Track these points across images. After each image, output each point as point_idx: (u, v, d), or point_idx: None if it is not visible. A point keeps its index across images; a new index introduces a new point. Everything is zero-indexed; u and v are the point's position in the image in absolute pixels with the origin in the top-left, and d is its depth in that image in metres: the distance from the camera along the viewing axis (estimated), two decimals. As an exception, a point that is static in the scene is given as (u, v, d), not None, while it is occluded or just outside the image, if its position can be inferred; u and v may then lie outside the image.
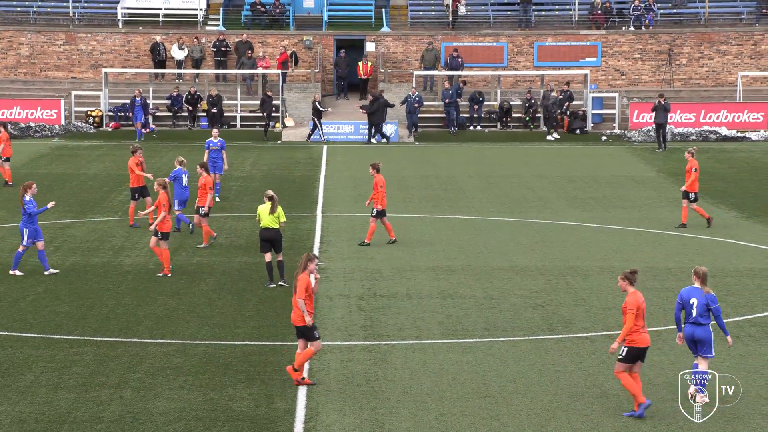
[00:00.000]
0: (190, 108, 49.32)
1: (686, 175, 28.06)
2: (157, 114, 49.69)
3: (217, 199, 31.19)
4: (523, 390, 15.73)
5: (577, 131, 48.97)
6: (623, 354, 14.51)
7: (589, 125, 49.62)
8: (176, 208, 27.12)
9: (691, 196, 27.96)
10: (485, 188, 35.24)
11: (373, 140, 46.10)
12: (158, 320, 19.35)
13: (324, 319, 19.53)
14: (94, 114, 49.51)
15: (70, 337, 18.20)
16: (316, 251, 25.28)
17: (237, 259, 24.38)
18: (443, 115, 49.71)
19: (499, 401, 15.32)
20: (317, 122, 46.45)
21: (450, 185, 35.82)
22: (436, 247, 25.93)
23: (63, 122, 48.55)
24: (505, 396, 15.49)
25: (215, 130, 31.75)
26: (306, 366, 16.24)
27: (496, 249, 25.87)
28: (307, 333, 15.84)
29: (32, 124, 47.86)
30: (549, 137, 47.38)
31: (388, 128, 47.21)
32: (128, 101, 48.46)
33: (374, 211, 25.87)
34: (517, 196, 33.77)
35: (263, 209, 21.61)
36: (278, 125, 49.40)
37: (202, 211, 25.61)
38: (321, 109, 46.49)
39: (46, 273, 22.46)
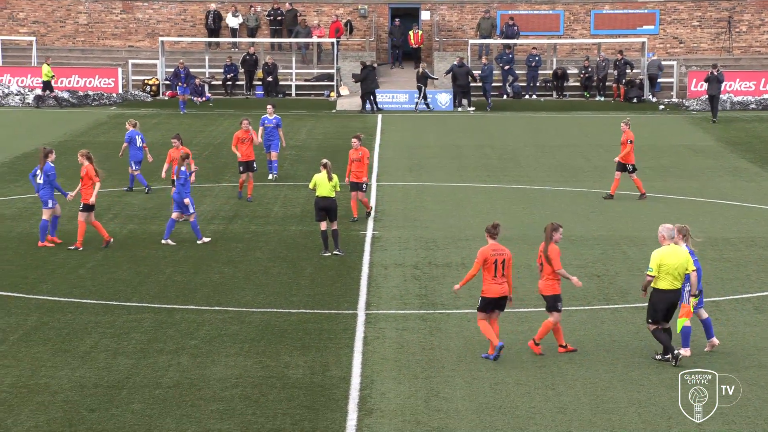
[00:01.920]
0: (245, 71, 49.12)
1: (621, 146, 27.54)
2: (212, 83, 49.87)
3: (275, 176, 29.98)
4: (579, 360, 15.68)
5: (634, 100, 48.48)
6: (479, 304, 15.59)
7: (647, 94, 49.11)
8: (134, 168, 28.07)
9: (629, 167, 27.44)
10: (541, 157, 35.03)
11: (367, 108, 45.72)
12: (214, 288, 19.52)
13: (379, 288, 19.59)
14: (151, 83, 49.86)
15: (128, 304, 18.42)
16: (370, 220, 25.32)
17: (292, 228, 24.49)
18: (498, 84, 49.38)
19: (555, 371, 15.29)
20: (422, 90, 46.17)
21: (505, 155, 35.65)
22: (491, 217, 25.81)
23: (120, 91, 48.96)
24: (560, 366, 15.45)
25: (270, 107, 29.93)
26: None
27: (551, 219, 25.61)
28: (555, 303, 15.68)
29: (90, 93, 48.31)
30: (661, 107, 46.95)
31: (443, 97, 47.05)
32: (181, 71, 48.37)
33: (364, 186, 24.59)
34: (573, 165, 33.54)
35: (320, 178, 21.67)
36: (333, 94, 49.40)
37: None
38: (431, 77, 46.30)
39: (198, 242, 22.65)
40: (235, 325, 17.25)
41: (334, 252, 21.87)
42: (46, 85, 46.71)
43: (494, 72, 48.08)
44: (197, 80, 47.44)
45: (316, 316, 17.79)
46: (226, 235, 23.73)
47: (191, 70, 47.74)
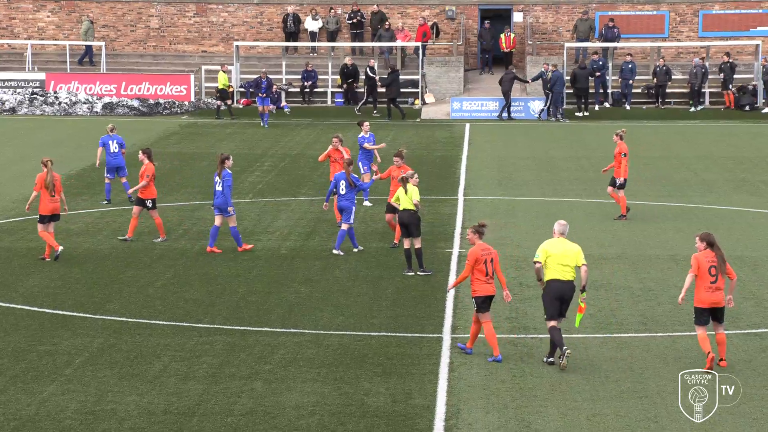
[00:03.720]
0: (345, 85, 48.94)
1: (614, 159, 26.89)
2: (289, 90, 50.24)
3: (367, 203, 28.62)
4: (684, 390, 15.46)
5: (747, 108, 47.78)
6: (474, 305, 16.82)
7: (761, 101, 48.37)
8: (106, 175, 28.54)
9: (618, 182, 26.78)
10: (642, 170, 34.68)
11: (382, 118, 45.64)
12: (290, 308, 19.64)
13: (466, 310, 19.53)
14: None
15: (199, 325, 18.61)
16: (456, 237, 25.29)
17: (373, 245, 24.53)
18: (593, 91, 48.96)
19: (658, 402, 15.10)
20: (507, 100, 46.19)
21: (603, 167, 35.29)
22: (587, 234, 25.65)
23: (193, 99, 49.53)
24: (663, 396, 15.25)
25: (366, 124, 28.91)
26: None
27: (654, 236, 25.46)
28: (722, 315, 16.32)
29: (161, 101, 48.96)
30: None
31: (536, 105, 46.81)
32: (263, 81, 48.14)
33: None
34: (678, 179, 33.16)
35: (401, 191, 21.77)
36: (417, 102, 49.48)
37: (149, 203, 24.28)
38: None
39: (354, 250, 23.45)
40: (312, 349, 17.32)
41: (418, 272, 21.86)
42: (222, 94, 46.24)
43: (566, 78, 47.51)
44: (274, 87, 47.71)
45: (398, 340, 17.79)
46: (303, 252, 23.87)
47: (262, 83, 47.88)
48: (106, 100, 48.73)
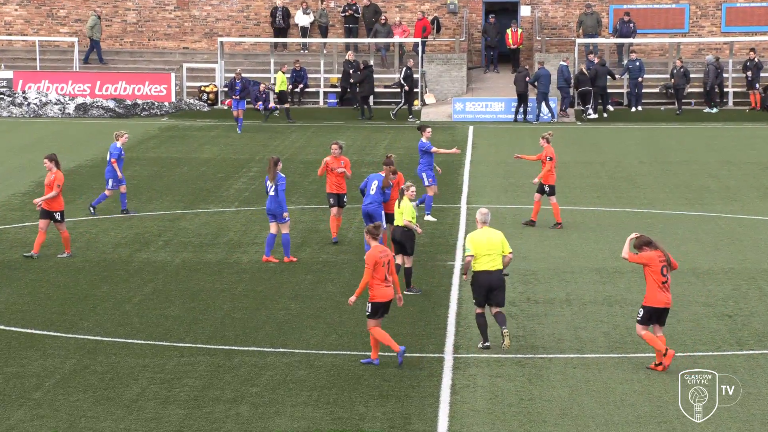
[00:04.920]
0: (352, 80, 48.87)
1: (542, 164, 27.09)
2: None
3: (429, 217, 27.94)
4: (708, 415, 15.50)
5: (773, 109, 47.92)
6: (369, 310, 17.29)
7: (790, 101, 48.51)
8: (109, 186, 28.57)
9: (546, 188, 26.98)
10: (660, 176, 34.77)
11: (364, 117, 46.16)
12: (279, 326, 19.66)
13: (469, 327, 19.55)
14: (208, 90, 50.46)
15: (180, 345, 18.62)
16: (459, 249, 25.30)
17: (369, 257, 24.55)
18: (616, 91, 49.06)
19: (678, 428, 15.12)
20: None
21: (618, 173, 35.42)
22: (601, 246, 25.69)
23: (173, 99, 49.61)
24: (684, 422, 15.27)
25: (429, 129, 28.21)
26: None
27: (673, 248, 25.30)
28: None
29: (139, 101, 49.02)
30: None
31: (545, 106, 46.88)
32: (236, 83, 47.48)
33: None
34: (699, 185, 33.23)
35: (396, 205, 21.79)
36: (417, 102, 49.55)
37: (57, 216, 23.90)
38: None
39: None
40: (303, 370, 17.34)
41: (405, 291, 21.64)
42: (282, 97, 46.02)
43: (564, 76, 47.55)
44: (262, 86, 47.66)
45: (395, 360, 17.80)
46: (293, 265, 23.90)
47: (254, 75, 47.94)
48: (80, 100, 48.77)
